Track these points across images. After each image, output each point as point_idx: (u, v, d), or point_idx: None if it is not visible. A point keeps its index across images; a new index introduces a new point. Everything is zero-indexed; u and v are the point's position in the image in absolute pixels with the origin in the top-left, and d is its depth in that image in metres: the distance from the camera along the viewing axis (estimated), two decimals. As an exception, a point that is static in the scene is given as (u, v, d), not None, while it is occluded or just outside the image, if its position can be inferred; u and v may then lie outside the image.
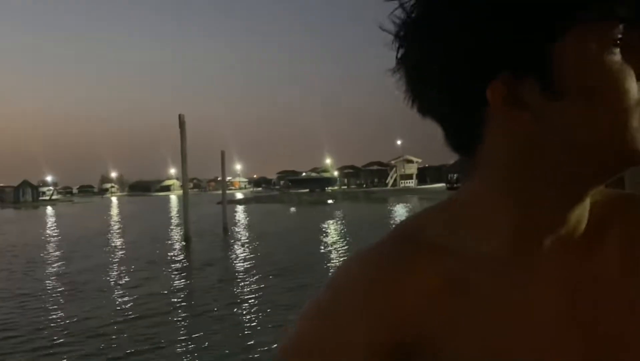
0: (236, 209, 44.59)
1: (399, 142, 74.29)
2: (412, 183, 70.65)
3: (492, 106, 0.41)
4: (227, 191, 30.83)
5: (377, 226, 23.18)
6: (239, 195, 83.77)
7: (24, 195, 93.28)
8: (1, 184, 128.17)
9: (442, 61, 0.41)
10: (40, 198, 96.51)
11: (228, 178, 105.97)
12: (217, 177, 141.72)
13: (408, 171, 72.19)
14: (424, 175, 76.36)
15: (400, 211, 32.73)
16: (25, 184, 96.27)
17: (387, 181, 72.67)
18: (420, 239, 0.45)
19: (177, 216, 37.62)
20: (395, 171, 72.34)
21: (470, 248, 0.43)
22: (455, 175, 58.24)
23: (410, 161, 73.31)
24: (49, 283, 12.43)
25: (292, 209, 42.73)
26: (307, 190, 69.81)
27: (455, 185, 55.47)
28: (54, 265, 15.46)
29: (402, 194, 55.82)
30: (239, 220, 31.58)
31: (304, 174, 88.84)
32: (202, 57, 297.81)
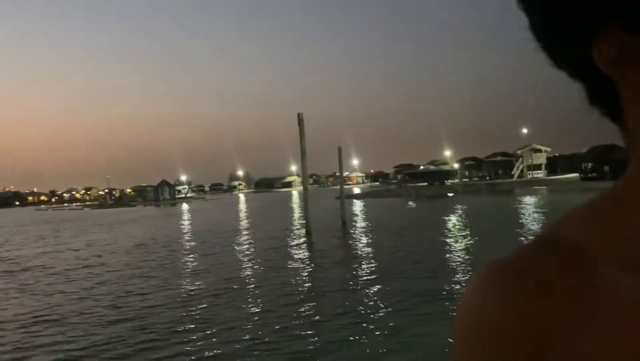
0: (354, 204, 45.05)
1: (524, 130, 69.59)
2: (541, 174, 65.98)
3: (604, 67, 0.35)
4: (345, 186, 31.10)
5: (503, 220, 22.01)
6: (357, 190, 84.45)
7: (162, 193, 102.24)
8: (143, 184, 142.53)
9: (546, 17, 0.37)
10: (177, 196, 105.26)
11: (345, 173, 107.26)
12: (336, 173, 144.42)
13: (536, 161, 67.49)
14: (554, 165, 71.15)
15: (529, 204, 30.71)
16: (164, 183, 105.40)
17: (512, 173, 68.66)
18: (558, 241, 0.40)
19: (298, 211, 38.95)
20: (522, 162, 68.02)
21: (612, 250, 0.36)
22: (589, 164, 53.43)
23: (539, 150, 68.48)
24: (195, 274, 13.51)
25: (411, 203, 42.06)
26: (426, 184, 68.35)
27: (590, 175, 50.83)
28: (195, 257, 16.76)
29: (530, 186, 52.42)
30: (357, 214, 31.80)
31: (421, 167, 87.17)
32: (319, 54, 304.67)
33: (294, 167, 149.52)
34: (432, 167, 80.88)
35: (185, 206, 74.69)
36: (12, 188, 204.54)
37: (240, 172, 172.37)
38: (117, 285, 12.26)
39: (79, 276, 14.12)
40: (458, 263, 12.31)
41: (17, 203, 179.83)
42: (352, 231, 21.71)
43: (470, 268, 11.46)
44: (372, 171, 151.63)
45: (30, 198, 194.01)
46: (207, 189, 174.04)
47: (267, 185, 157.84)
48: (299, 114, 21.28)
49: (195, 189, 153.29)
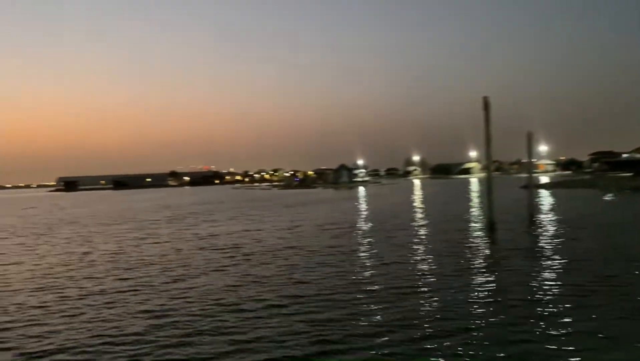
0: (541, 194, 41.27)
1: None
2: None
3: None
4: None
5: None
6: (544, 179, 77.40)
7: (341, 177, 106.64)
8: (323, 167, 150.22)
9: None
10: (354, 180, 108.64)
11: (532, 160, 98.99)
12: (520, 160, 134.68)
13: None
14: None
15: None
16: (342, 167, 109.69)
17: None
18: None
19: (478, 200, 36.96)
20: None
21: None
22: None
23: None
24: (371, 267, 13.50)
25: (609, 196, 36.93)
26: (630, 174, 59.65)
27: None
28: (373, 246, 16.78)
29: None
30: (545, 207, 28.89)
31: (625, 155, 76.47)
32: (505, 32, 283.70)
33: (472, 153, 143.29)
34: (638, 155, 70.39)
35: (361, 189, 76.49)
36: (213, 168, 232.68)
37: (416, 158, 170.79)
38: (303, 271, 12.72)
39: (264, 258, 15.02)
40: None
41: (217, 181, 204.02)
42: (541, 226, 19.66)
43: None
44: (562, 158, 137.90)
45: (227, 177, 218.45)
46: (382, 173, 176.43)
47: (443, 171, 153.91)
48: (484, 98, 19.84)
49: (371, 173, 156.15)
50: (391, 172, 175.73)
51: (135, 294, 10.57)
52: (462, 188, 62.20)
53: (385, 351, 6.60)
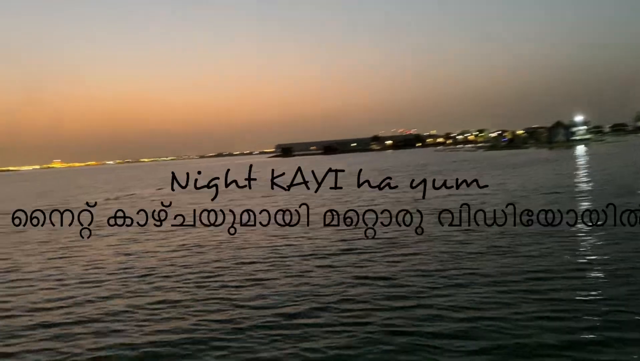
0: None
1: None
2: None
3: None
4: None
5: None
6: None
7: (556, 135, 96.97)
8: (535, 126, 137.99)
9: None
10: (571, 138, 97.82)
11: None
12: None
13: None
14: None
15: None
16: (558, 124, 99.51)
17: None
18: None
19: None
20: None
21: None
22: None
23: None
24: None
25: None
26: None
27: None
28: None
29: None
30: None
31: None
32: None
33: None
34: None
35: (581, 149, 68.71)
36: (414, 131, 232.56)
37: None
38: (528, 245, 11.92)
39: (477, 227, 14.39)
40: None
41: (419, 145, 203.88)
42: None
43: None
44: None
45: (429, 140, 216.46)
46: (606, 130, 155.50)
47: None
48: None
49: (592, 130, 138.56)
50: (618, 129, 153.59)
51: (350, 260, 10.97)
52: None
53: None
